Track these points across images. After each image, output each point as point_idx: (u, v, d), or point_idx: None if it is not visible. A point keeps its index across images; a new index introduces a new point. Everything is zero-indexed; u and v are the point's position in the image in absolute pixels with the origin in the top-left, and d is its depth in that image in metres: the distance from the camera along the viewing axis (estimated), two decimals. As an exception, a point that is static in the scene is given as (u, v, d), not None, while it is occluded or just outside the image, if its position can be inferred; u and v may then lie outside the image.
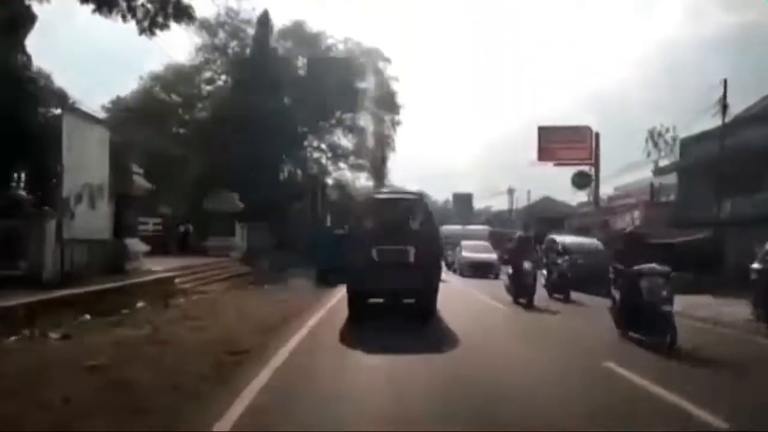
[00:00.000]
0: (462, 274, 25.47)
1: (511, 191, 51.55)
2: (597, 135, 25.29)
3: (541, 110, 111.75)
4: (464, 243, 27.41)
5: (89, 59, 62.29)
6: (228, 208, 25.05)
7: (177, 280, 16.33)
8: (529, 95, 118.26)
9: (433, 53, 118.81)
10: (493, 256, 25.53)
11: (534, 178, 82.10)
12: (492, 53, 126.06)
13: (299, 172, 40.68)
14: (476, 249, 27.00)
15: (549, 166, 31.29)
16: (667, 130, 23.13)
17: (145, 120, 37.53)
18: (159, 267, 16.79)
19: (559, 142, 25.70)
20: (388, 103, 41.29)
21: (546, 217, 40.12)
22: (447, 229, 34.37)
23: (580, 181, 25.55)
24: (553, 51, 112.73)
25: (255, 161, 32.90)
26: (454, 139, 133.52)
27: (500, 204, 56.78)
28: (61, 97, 16.23)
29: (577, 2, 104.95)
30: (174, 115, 38.44)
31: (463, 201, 58.16)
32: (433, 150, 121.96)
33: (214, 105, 36.24)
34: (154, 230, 24.49)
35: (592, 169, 25.24)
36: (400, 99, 41.48)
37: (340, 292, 13.70)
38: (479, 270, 24.81)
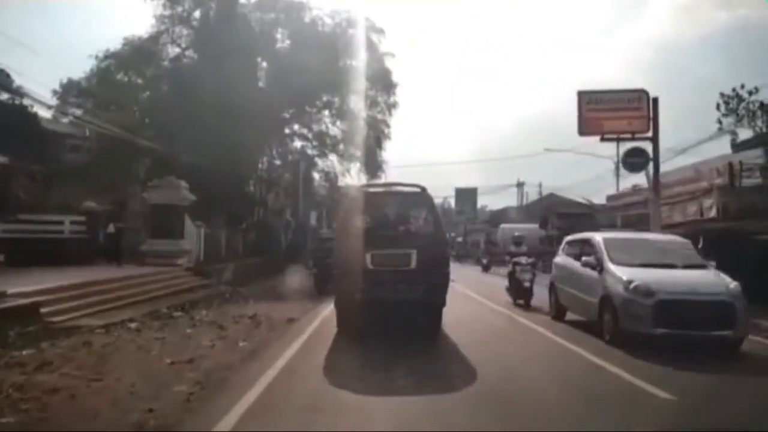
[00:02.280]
0: None
1: (520, 185, 45.01)
2: (655, 101, 18.83)
3: (535, 105, 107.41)
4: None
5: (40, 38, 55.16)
6: (174, 201, 18.57)
7: (47, 309, 9.94)
8: (523, 91, 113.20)
9: (429, 38, 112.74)
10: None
11: (530, 174, 76.47)
12: (483, 51, 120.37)
13: (278, 162, 34.35)
14: None
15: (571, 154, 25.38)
16: (751, 93, 17.21)
17: (100, 105, 31.97)
18: (31, 287, 10.52)
19: (606, 110, 19.32)
20: (382, 82, 35.05)
21: (568, 213, 33.89)
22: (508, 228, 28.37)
23: (635, 160, 19.14)
24: (543, 45, 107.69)
25: (220, 149, 26.68)
26: (447, 132, 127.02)
27: (498, 201, 50.99)
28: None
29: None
30: (134, 98, 32.30)
31: (467, 197, 51.64)
32: (425, 143, 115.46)
33: (172, 82, 29.78)
34: (73, 232, 18.04)
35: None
36: (395, 77, 35.24)
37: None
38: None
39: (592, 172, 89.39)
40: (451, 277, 9.34)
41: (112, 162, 28.28)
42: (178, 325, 9.96)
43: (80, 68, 38.05)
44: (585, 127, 19.58)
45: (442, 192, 64.69)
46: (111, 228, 18.06)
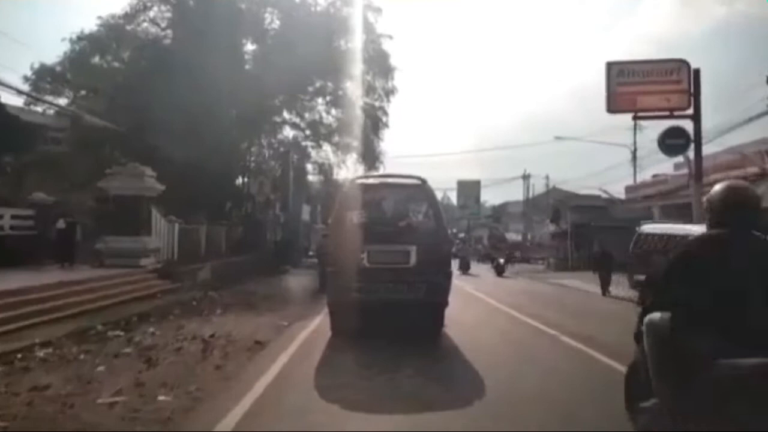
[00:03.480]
0: None
1: (526, 177, 42.06)
2: (697, 73, 16.00)
3: (536, 100, 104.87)
4: None
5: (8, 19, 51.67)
6: (136, 191, 15.69)
7: None
8: (525, 84, 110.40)
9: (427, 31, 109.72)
10: None
11: (532, 167, 73.43)
12: (485, 35, 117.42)
13: (269, 153, 31.52)
14: None
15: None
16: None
17: (76, 91, 29.24)
18: None
19: (640, 84, 16.49)
20: (379, 66, 32.24)
21: (584, 205, 31.08)
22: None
23: (674, 142, 16.33)
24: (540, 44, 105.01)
25: (203, 139, 23.95)
26: (448, 121, 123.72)
27: (497, 196, 48.04)
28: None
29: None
30: (111, 83, 29.42)
31: (470, 190, 48.58)
32: (424, 132, 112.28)
33: (150, 65, 26.88)
34: (16, 227, 15.17)
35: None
36: (393, 60, 32.42)
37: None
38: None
39: (600, 164, 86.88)
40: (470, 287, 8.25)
41: (92, 152, 25.71)
42: (99, 353, 7.12)
43: (54, 52, 35.05)
44: (615, 104, 16.75)
45: (442, 185, 62.07)
46: (61, 223, 15.18)
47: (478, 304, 13.83)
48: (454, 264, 11.80)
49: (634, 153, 29.89)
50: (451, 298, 8.56)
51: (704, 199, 2.98)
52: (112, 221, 15.64)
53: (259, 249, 24.19)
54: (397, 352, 6.99)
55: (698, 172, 16.07)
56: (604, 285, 16.00)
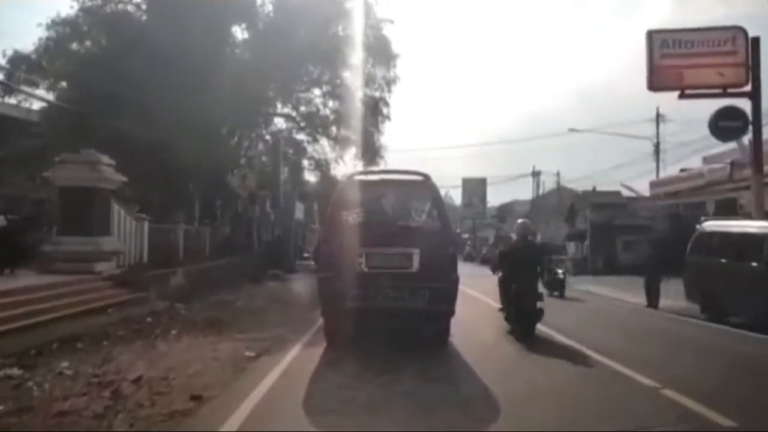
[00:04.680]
0: None
1: (536, 174, 39.19)
2: (756, 42, 13.30)
3: (539, 101, 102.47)
4: None
5: None
6: (90, 182, 13.00)
7: None
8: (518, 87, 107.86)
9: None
10: None
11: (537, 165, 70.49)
12: (489, 30, 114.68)
13: (261, 147, 28.91)
14: None
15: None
16: None
17: (53, 78, 26.71)
18: None
19: (688, 56, 13.80)
20: (379, 53, 29.58)
21: (605, 203, 28.35)
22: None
23: (730, 124, 13.67)
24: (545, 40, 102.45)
25: (187, 131, 21.36)
26: (450, 115, 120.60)
27: (501, 195, 45.23)
28: None
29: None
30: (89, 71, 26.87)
31: (475, 188, 45.61)
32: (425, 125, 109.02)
33: (128, 51, 24.29)
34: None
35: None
36: (395, 47, 29.77)
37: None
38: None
39: (604, 162, 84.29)
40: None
41: (68, 144, 23.33)
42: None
43: (30, 39, 32.48)
44: (657, 79, 14.04)
45: (445, 182, 59.36)
46: (1, 220, 12.56)
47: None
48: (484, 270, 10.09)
49: (657, 146, 27.29)
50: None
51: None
52: (61, 218, 13.00)
53: (248, 251, 21.53)
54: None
55: (758, 159, 13.41)
56: (653, 295, 13.13)
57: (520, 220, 10.39)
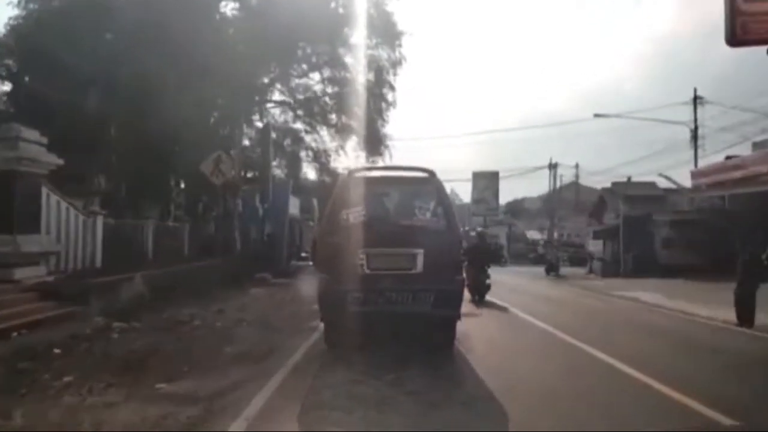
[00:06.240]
0: None
1: (553, 166, 35.65)
2: None
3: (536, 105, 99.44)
4: None
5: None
6: (8, 164, 9.87)
7: None
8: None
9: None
10: None
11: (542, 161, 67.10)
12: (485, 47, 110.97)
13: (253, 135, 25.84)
14: None
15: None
16: None
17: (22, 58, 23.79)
18: None
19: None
20: (383, 32, 26.48)
21: (638, 195, 25.04)
22: None
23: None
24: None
25: (164, 115, 18.25)
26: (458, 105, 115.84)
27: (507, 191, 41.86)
28: None
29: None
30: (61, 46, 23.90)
31: (487, 182, 41.93)
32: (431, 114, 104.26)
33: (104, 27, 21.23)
34: None
35: None
36: (401, 25, 26.66)
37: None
38: None
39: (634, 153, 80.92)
40: None
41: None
42: None
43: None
44: (742, 30, 10.58)
45: (452, 176, 56.09)
46: None
47: (548, 347, 8.03)
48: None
49: (694, 132, 23.88)
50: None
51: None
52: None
53: (230, 251, 18.39)
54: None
55: None
56: (747, 310, 9.58)
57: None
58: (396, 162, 29.61)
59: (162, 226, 16.82)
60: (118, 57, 19.12)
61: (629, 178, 26.73)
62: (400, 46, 26.28)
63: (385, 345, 7.07)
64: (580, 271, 26.99)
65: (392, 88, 26.95)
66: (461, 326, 7.59)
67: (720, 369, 6.77)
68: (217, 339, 7.78)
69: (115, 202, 16.65)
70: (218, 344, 7.39)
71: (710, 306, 11.43)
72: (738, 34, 10.71)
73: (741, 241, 9.79)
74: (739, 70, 59.24)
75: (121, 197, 17.32)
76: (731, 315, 10.17)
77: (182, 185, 23.51)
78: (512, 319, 11.08)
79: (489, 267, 14.02)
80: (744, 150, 22.45)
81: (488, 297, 13.56)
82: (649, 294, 14.84)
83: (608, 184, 29.12)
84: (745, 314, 9.57)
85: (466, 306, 8.65)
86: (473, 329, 8.99)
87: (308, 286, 15.37)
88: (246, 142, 27.37)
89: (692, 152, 24.72)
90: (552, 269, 24.78)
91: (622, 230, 23.27)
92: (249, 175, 24.95)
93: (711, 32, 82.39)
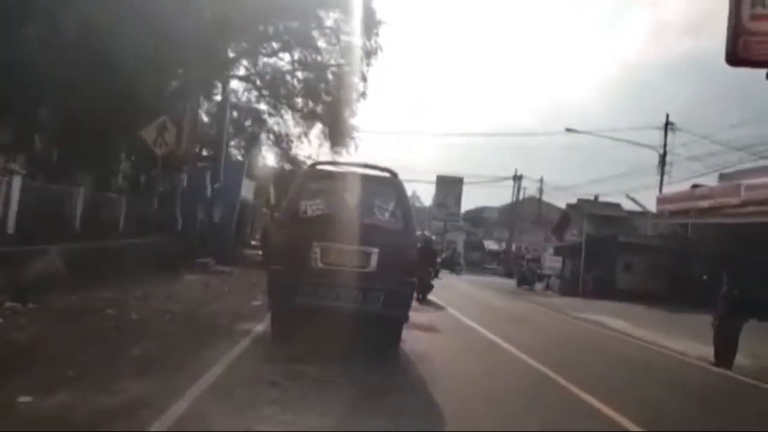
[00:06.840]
0: None
1: (518, 178, 35.15)
2: None
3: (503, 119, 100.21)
4: None
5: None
6: None
7: None
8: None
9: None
10: None
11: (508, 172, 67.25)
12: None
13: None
14: None
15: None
16: None
17: None
18: None
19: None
20: (360, 20, 25.19)
21: (603, 215, 24.59)
22: None
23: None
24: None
25: (104, 83, 16.39)
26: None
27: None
28: None
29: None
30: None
31: (450, 187, 41.14)
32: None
33: None
34: None
35: None
36: (381, 14, 25.53)
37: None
38: None
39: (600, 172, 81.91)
40: None
41: None
42: None
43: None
44: (745, 48, 9.90)
45: (414, 176, 55.26)
46: None
47: (531, 391, 7.00)
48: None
49: (662, 157, 23.55)
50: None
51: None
52: None
53: (174, 230, 16.79)
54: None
55: None
56: (728, 349, 8.68)
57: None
58: (361, 156, 28.20)
59: (96, 195, 15.12)
60: (59, 22, 17.18)
61: (596, 197, 26.40)
62: (377, 35, 25.07)
63: (327, 352, 6.44)
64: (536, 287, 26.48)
65: (365, 78, 25.70)
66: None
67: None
68: (126, 335, 6.40)
69: (48, 166, 14.87)
70: (125, 342, 6.02)
71: (678, 338, 10.68)
72: (739, 53, 9.87)
73: (728, 275, 8.95)
74: (704, 102, 60.61)
75: (52, 160, 15.48)
76: (703, 349, 9.41)
77: (133, 157, 21.76)
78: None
79: (434, 270, 15.67)
80: (710, 180, 22.33)
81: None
82: (607, 318, 14.14)
83: (571, 200, 28.97)
84: (725, 354, 8.76)
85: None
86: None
87: (252, 277, 14.06)
88: (205, 119, 25.71)
89: (658, 177, 24.50)
90: (525, 281, 24.55)
91: (585, 249, 22.76)
92: (204, 153, 23.35)
93: (678, 63, 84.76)
